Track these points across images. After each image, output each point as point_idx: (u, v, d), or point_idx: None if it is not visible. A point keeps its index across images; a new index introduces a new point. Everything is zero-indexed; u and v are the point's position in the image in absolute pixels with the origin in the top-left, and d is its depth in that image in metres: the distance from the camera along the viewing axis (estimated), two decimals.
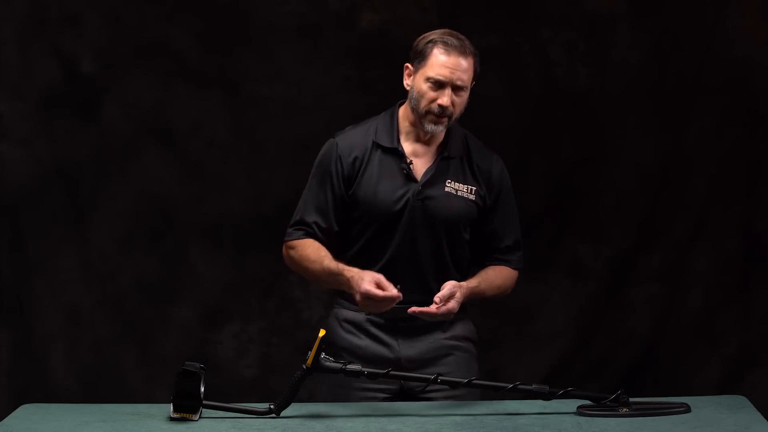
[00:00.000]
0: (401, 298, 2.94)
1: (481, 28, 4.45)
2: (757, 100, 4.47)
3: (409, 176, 3.09)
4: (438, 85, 3.02)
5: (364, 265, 3.06)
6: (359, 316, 3.13)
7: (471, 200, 3.13)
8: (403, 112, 3.14)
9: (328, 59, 4.49)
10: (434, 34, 3.06)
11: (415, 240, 3.08)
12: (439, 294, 2.99)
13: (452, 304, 2.99)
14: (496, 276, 3.16)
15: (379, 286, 2.95)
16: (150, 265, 4.52)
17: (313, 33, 4.49)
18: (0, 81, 4.43)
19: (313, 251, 3.09)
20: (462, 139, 3.16)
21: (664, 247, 4.54)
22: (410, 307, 3.02)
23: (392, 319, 3.10)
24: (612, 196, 4.54)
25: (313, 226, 3.11)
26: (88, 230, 4.49)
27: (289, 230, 3.17)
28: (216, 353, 4.55)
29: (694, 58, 4.47)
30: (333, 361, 2.81)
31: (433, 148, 3.13)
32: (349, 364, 2.83)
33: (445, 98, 3.02)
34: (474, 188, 3.13)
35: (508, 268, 3.21)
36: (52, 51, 4.43)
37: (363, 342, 3.11)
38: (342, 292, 3.14)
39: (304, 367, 2.78)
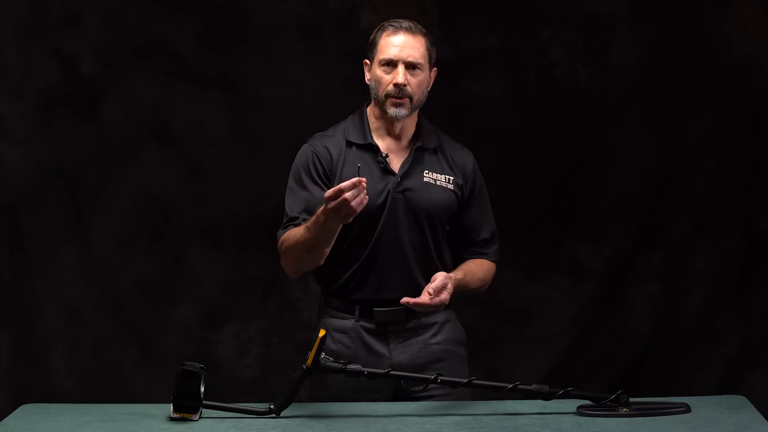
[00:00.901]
0: (364, 181, 2.90)
1: (481, 28, 4.46)
2: (757, 100, 4.47)
3: (386, 169, 3.11)
4: (391, 65, 3.07)
5: (349, 263, 3.09)
6: (349, 324, 3.12)
7: (450, 189, 3.15)
8: (371, 110, 3.18)
9: (328, 59, 4.49)
10: (379, 25, 3.15)
11: (398, 233, 3.09)
12: (432, 285, 3.00)
13: (444, 296, 3.01)
14: (478, 269, 3.18)
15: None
16: (150, 265, 4.52)
17: (313, 33, 4.49)
18: (0, 81, 4.43)
19: (295, 229, 3.08)
20: (433, 132, 3.20)
21: (664, 247, 4.54)
22: (399, 306, 3.04)
23: (383, 323, 3.10)
24: (612, 196, 4.54)
25: (300, 220, 3.10)
26: (88, 230, 4.50)
27: (279, 233, 3.17)
28: (216, 353, 4.55)
29: (694, 58, 4.47)
30: (333, 361, 2.81)
31: (405, 141, 3.16)
32: (348, 364, 2.83)
33: (399, 76, 3.06)
34: (451, 178, 3.16)
35: (487, 261, 3.23)
36: (52, 51, 4.43)
37: (354, 352, 3.10)
38: (328, 301, 3.15)
39: (304, 367, 2.78)
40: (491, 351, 4.48)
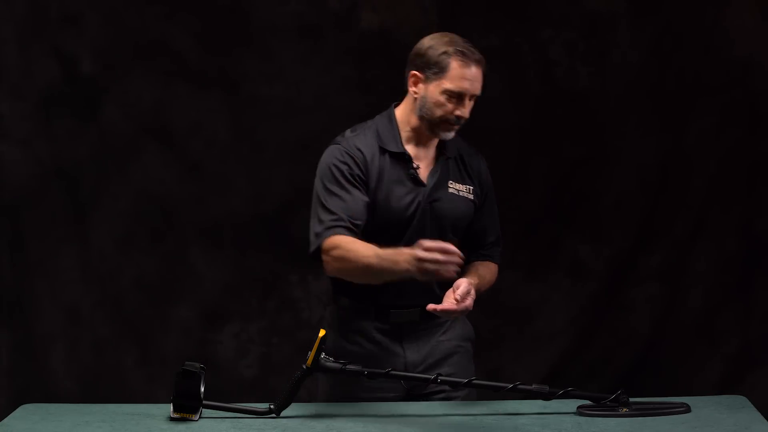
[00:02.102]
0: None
1: (481, 28, 4.45)
2: (757, 100, 4.47)
3: (416, 180, 3.08)
4: (457, 96, 3.01)
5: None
6: (364, 325, 3.10)
7: (470, 200, 3.14)
8: (401, 115, 3.12)
9: (328, 59, 4.49)
10: (445, 44, 3.02)
11: None
12: (458, 292, 2.95)
13: (469, 302, 2.97)
14: (486, 272, 3.18)
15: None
16: (150, 265, 4.52)
17: (313, 33, 4.49)
18: (0, 81, 4.43)
19: (362, 244, 2.95)
20: (454, 138, 3.16)
21: (664, 247, 4.54)
22: (416, 309, 3.04)
23: (397, 324, 3.09)
24: (612, 196, 4.54)
25: (348, 223, 3.00)
26: (88, 230, 4.49)
27: (316, 236, 3.02)
28: (216, 353, 4.55)
29: (694, 58, 4.47)
30: (333, 361, 2.81)
31: (431, 150, 3.12)
32: (348, 364, 2.83)
33: (465, 110, 3.02)
34: (471, 187, 3.15)
35: (493, 263, 3.23)
36: (52, 51, 4.43)
37: (368, 351, 3.09)
38: (343, 302, 3.12)
39: (304, 367, 2.78)
40: (491, 351, 4.48)
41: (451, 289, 2.99)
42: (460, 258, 2.80)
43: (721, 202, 4.51)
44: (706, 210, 4.52)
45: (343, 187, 3.04)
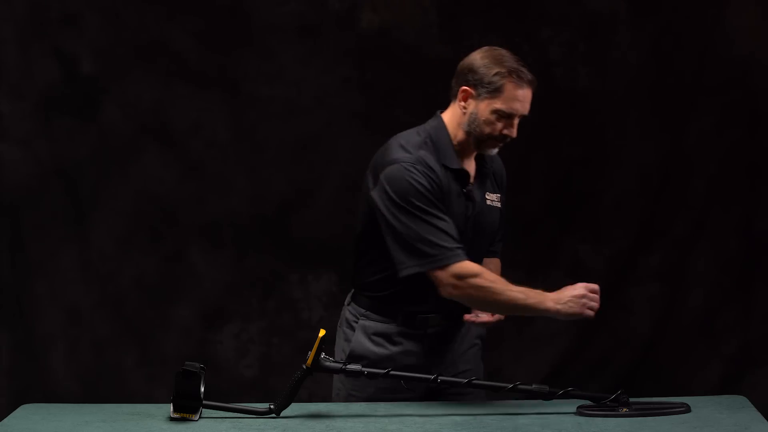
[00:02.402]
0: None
1: (481, 28, 4.46)
2: (757, 100, 4.48)
3: (468, 196, 3.06)
4: (507, 116, 2.99)
5: (406, 279, 2.98)
6: (389, 328, 3.08)
7: (499, 208, 3.14)
8: (450, 128, 3.05)
9: (328, 59, 4.49)
10: (499, 63, 2.97)
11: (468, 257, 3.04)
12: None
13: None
14: (496, 270, 3.18)
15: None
16: (150, 265, 4.52)
17: (313, 33, 4.49)
18: (0, 81, 4.43)
19: (497, 277, 2.96)
20: None
21: (664, 247, 4.55)
22: (440, 315, 3.05)
23: (422, 327, 3.09)
24: (612, 196, 4.55)
25: (462, 248, 2.95)
26: (88, 230, 4.50)
27: (442, 255, 2.91)
28: (216, 353, 4.55)
29: (694, 58, 4.47)
30: (333, 361, 2.81)
31: (472, 162, 3.09)
32: (348, 364, 2.83)
33: (513, 130, 3.01)
34: (499, 195, 3.15)
35: (497, 259, 3.24)
36: (52, 51, 4.44)
37: (395, 352, 3.08)
38: (368, 304, 3.09)
39: (304, 367, 2.78)
40: (491, 351, 4.45)
41: None
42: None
43: (721, 202, 4.51)
44: (706, 210, 4.52)
45: (439, 209, 2.95)
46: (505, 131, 3.00)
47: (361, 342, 3.08)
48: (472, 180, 3.05)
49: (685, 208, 4.53)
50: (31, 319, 4.48)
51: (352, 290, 3.17)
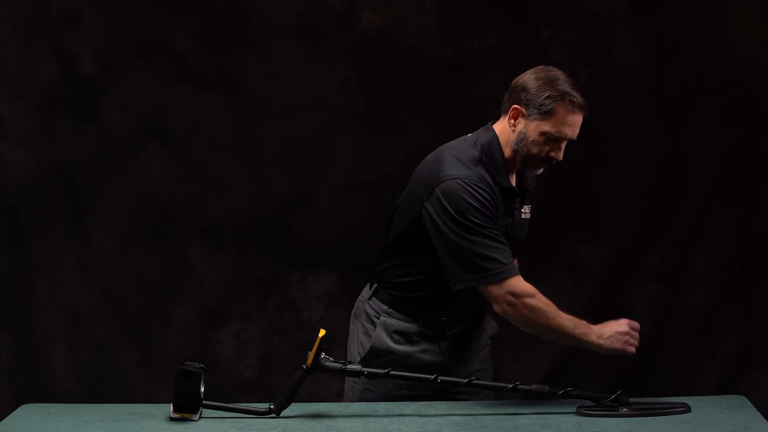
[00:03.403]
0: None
1: (481, 28, 4.46)
2: (757, 100, 4.47)
3: (511, 212, 3.07)
4: (556, 140, 2.99)
5: (437, 285, 2.99)
6: (410, 328, 3.09)
7: (530, 219, 3.16)
8: (503, 143, 3.04)
9: (328, 59, 4.49)
10: (553, 85, 2.95)
11: None
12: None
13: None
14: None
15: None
16: (150, 265, 4.52)
17: (313, 33, 4.49)
18: (0, 81, 4.43)
19: (549, 302, 3.00)
20: None
21: (664, 247, 4.54)
22: (462, 320, 3.08)
23: (443, 330, 3.09)
24: (612, 196, 4.54)
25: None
26: (88, 230, 4.50)
27: (498, 270, 2.94)
28: (216, 353, 4.55)
29: (694, 58, 4.47)
30: (333, 361, 2.81)
31: (514, 177, 3.09)
32: (348, 364, 2.83)
33: (560, 153, 3.01)
34: (530, 206, 3.16)
35: (515, 259, 3.21)
36: (52, 51, 4.43)
37: (413, 350, 3.08)
38: (392, 302, 3.09)
39: (304, 367, 2.79)
40: (491, 351, 4.48)
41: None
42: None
43: (721, 202, 4.51)
44: (706, 210, 4.52)
45: (495, 226, 2.96)
46: (552, 154, 2.99)
47: (383, 339, 3.09)
48: (518, 201, 3.06)
49: (685, 208, 4.53)
50: (31, 319, 4.48)
51: (375, 285, 3.15)
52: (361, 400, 3.08)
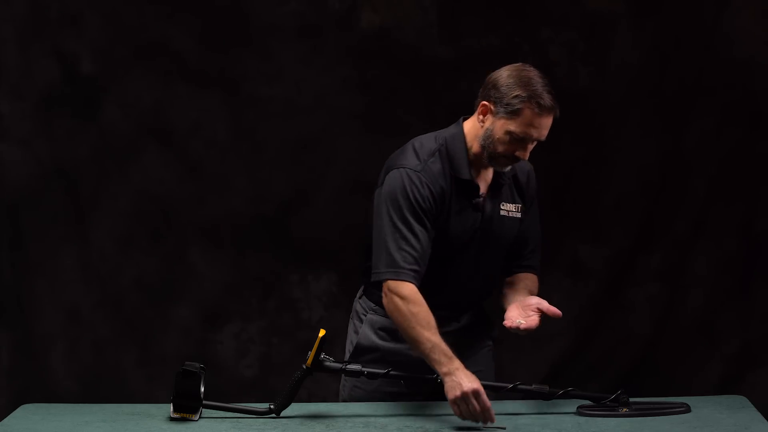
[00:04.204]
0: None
1: (481, 28, 4.46)
2: (757, 100, 4.47)
3: (476, 206, 3.04)
4: (521, 140, 2.96)
5: (425, 284, 2.97)
6: (394, 325, 3.10)
7: (518, 218, 3.11)
8: (468, 137, 3.04)
9: (328, 59, 4.49)
10: (523, 85, 2.93)
11: (472, 264, 3.05)
12: (544, 306, 2.97)
13: (536, 320, 2.96)
14: (532, 285, 3.14)
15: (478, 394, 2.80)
16: (150, 265, 4.52)
17: (313, 33, 4.49)
18: (0, 81, 4.43)
19: (425, 315, 2.89)
20: None
21: (664, 247, 4.54)
22: (447, 315, 3.03)
23: None
24: (612, 196, 4.54)
25: (419, 263, 2.94)
26: (88, 230, 4.50)
27: (389, 269, 2.93)
28: (216, 353, 4.55)
29: (694, 58, 4.47)
30: (333, 361, 2.81)
31: (489, 172, 3.07)
32: (348, 364, 2.83)
33: (525, 153, 2.98)
34: (519, 206, 3.11)
35: (534, 275, 3.18)
36: (52, 51, 4.43)
37: (401, 347, 3.06)
38: (378, 300, 3.07)
39: (304, 367, 2.79)
40: (492, 352, 4.48)
41: (515, 304, 2.99)
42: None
43: (721, 202, 4.51)
44: (706, 210, 4.51)
45: (420, 220, 2.95)
46: (518, 153, 2.96)
47: (368, 335, 3.09)
48: (483, 191, 3.03)
49: (685, 208, 4.53)
50: (31, 319, 4.48)
51: (362, 284, 3.16)
52: (350, 397, 3.08)
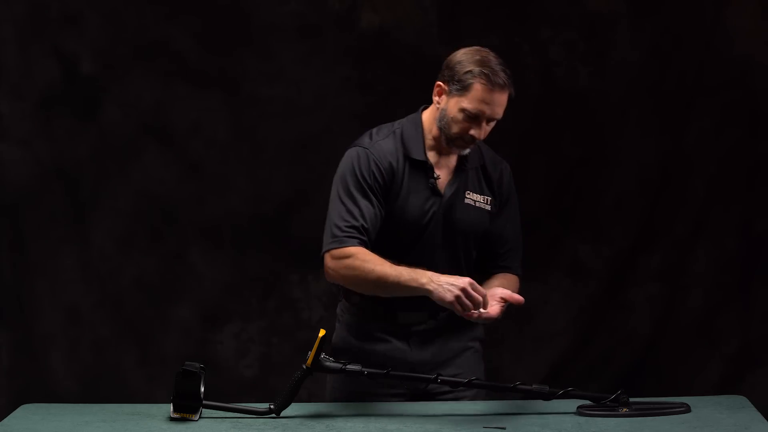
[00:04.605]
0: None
1: (481, 28, 4.45)
2: (757, 100, 4.47)
3: (435, 189, 3.05)
4: (474, 117, 2.97)
5: None
6: (373, 325, 3.10)
7: (486, 210, 3.11)
8: (427, 122, 3.08)
9: (328, 59, 4.49)
10: (474, 63, 2.96)
11: (434, 251, 3.05)
12: (507, 295, 2.96)
13: (497, 309, 2.94)
14: (506, 284, 3.12)
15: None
16: (150, 265, 4.52)
17: (313, 33, 4.49)
18: (0, 81, 4.43)
19: (377, 258, 2.92)
20: (477, 148, 3.11)
21: (664, 247, 4.54)
22: (424, 313, 3.04)
23: (406, 325, 3.09)
24: (612, 196, 4.54)
25: (364, 233, 2.97)
26: (88, 230, 4.50)
27: (332, 240, 2.97)
28: (216, 353, 4.55)
29: (694, 58, 4.47)
30: (333, 361, 2.81)
31: (453, 158, 3.08)
32: (348, 364, 2.83)
33: (480, 132, 2.98)
34: (489, 198, 3.11)
35: (513, 275, 3.19)
36: (52, 51, 4.43)
37: (377, 347, 3.08)
38: (354, 300, 3.10)
39: (304, 367, 2.79)
40: (491, 351, 4.47)
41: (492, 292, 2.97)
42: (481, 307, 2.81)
43: (721, 202, 4.51)
44: (706, 210, 4.52)
45: (365, 195, 2.99)
46: (472, 132, 2.97)
47: (343, 337, 3.11)
48: (444, 177, 3.05)
49: (685, 208, 4.53)
50: (31, 319, 4.48)
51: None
52: (331, 398, 3.09)
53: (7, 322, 4.48)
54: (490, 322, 2.96)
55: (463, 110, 2.96)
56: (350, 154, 3.04)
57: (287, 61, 4.49)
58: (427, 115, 3.08)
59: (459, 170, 3.08)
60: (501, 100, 2.97)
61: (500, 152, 3.23)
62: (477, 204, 3.09)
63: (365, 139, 3.06)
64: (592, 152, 4.54)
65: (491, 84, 2.93)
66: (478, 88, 2.94)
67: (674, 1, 4.46)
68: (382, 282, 2.90)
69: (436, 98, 3.03)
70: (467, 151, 3.03)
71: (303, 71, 4.49)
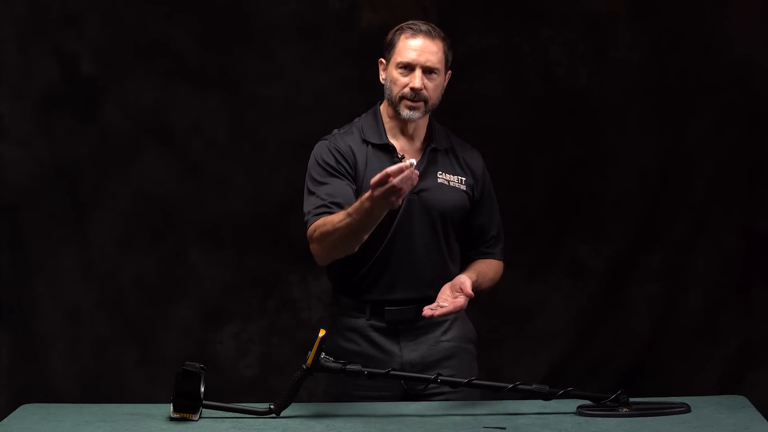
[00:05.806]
0: (414, 169, 2.86)
1: (481, 28, 4.46)
2: (757, 100, 4.48)
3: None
4: (408, 68, 3.07)
5: (362, 263, 3.09)
6: (361, 323, 3.12)
7: (462, 190, 3.17)
8: (384, 109, 3.18)
9: (328, 59, 4.49)
10: (399, 25, 3.14)
11: (412, 233, 3.09)
12: (465, 288, 2.97)
13: (461, 300, 2.97)
14: (488, 269, 3.20)
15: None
16: (150, 265, 4.53)
17: (313, 33, 4.49)
18: (0, 81, 4.43)
19: (333, 216, 2.99)
20: (444, 132, 3.22)
21: (664, 247, 4.55)
22: (410, 307, 3.07)
23: (394, 322, 3.10)
24: (612, 196, 4.55)
25: (332, 206, 3.02)
26: (88, 230, 4.50)
27: (308, 220, 3.06)
28: (216, 353, 4.55)
29: (694, 58, 4.47)
30: (333, 361, 2.81)
31: (418, 142, 3.17)
32: (348, 364, 2.83)
33: (416, 80, 3.06)
34: (463, 179, 3.17)
35: (495, 260, 3.25)
36: (52, 51, 4.44)
37: (364, 349, 3.10)
38: (341, 300, 3.14)
39: (304, 367, 2.79)
40: (491, 351, 4.48)
41: (445, 285, 3.00)
42: (409, 171, 2.78)
43: (721, 202, 4.51)
44: (706, 210, 4.52)
45: (331, 175, 3.08)
46: (411, 85, 3.06)
47: (335, 340, 3.13)
48: (403, 154, 3.11)
49: (685, 208, 4.53)
50: (31, 319, 4.48)
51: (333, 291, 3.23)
52: (324, 401, 3.10)
53: (7, 322, 4.48)
54: (457, 313, 3.01)
55: (397, 65, 3.08)
56: (314, 150, 3.15)
57: (287, 61, 4.49)
58: (384, 104, 3.18)
59: (426, 152, 3.15)
60: (429, 47, 3.10)
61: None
62: (451, 183, 3.16)
63: (326, 135, 3.18)
64: (592, 152, 4.54)
65: (413, 32, 3.10)
66: (402, 39, 3.10)
67: (674, 1, 4.46)
68: (346, 229, 2.94)
69: (382, 76, 3.15)
70: (415, 114, 3.09)
71: (303, 71, 4.49)
